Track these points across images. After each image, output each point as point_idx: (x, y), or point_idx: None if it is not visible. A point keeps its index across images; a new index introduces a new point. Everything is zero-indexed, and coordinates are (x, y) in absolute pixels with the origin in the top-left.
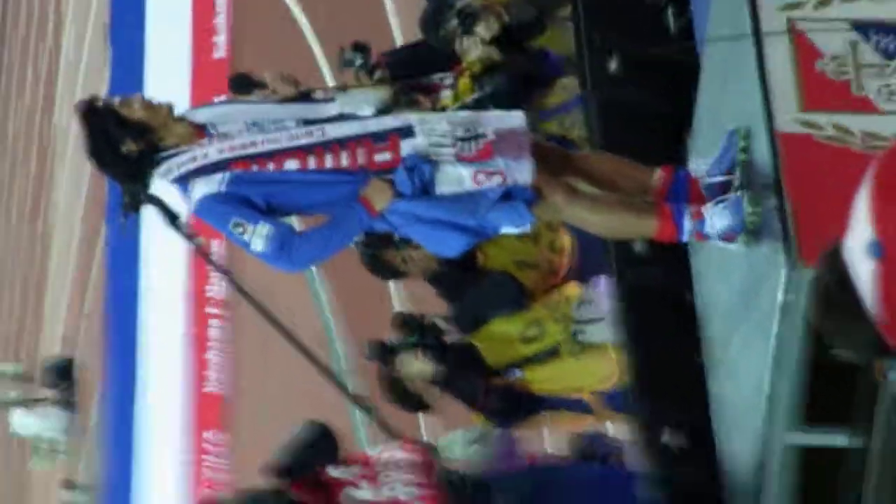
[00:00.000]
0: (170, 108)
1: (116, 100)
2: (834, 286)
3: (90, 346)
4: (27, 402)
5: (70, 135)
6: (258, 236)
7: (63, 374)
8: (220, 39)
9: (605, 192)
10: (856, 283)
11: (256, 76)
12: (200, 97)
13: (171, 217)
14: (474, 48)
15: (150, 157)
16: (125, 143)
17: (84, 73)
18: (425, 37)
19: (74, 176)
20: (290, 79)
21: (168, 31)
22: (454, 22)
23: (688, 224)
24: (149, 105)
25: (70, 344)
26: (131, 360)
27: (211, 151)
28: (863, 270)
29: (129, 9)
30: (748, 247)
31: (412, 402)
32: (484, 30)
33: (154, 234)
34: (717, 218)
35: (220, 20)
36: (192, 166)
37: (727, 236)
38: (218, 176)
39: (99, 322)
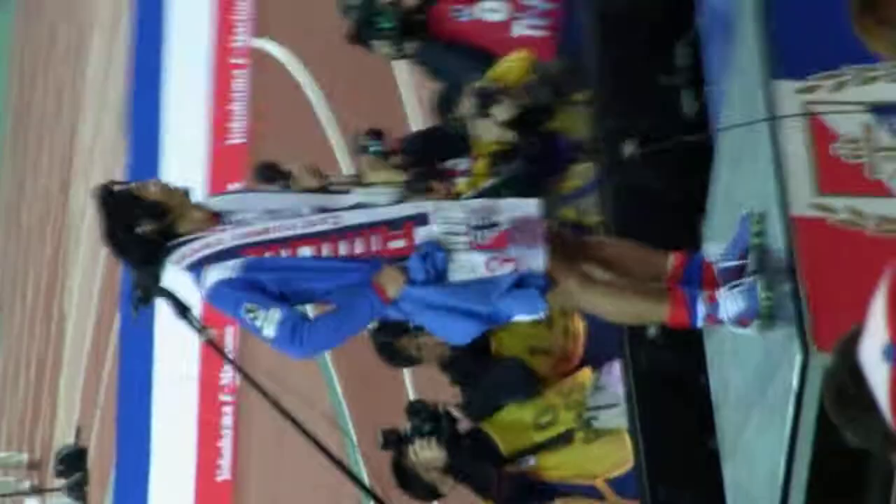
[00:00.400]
0: (186, 192)
1: (133, 184)
2: (848, 379)
3: (103, 433)
4: (40, 492)
5: (85, 220)
6: (270, 322)
7: (76, 463)
8: (238, 125)
9: (618, 278)
10: (870, 384)
11: (282, 166)
12: (217, 183)
13: (183, 309)
14: (488, 131)
15: (164, 241)
16: (141, 224)
17: (100, 157)
18: (439, 118)
19: (89, 262)
20: (316, 171)
21: (185, 116)
22: (469, 103)
23: (701, 309)
24: (165, 188)
25: (84, 432)
26: (143, 448)
27: (225, 238)
28: (878, 374)
29: (146, 93)
30: (762, 332)
31: (425, 490)
32: (500, 112)
33: (167, 322)
34: (731, 303)
35: (238, 106)
36: (205, 253)
37: (741, 321)
38: (231, 262)
39: (112, 410)
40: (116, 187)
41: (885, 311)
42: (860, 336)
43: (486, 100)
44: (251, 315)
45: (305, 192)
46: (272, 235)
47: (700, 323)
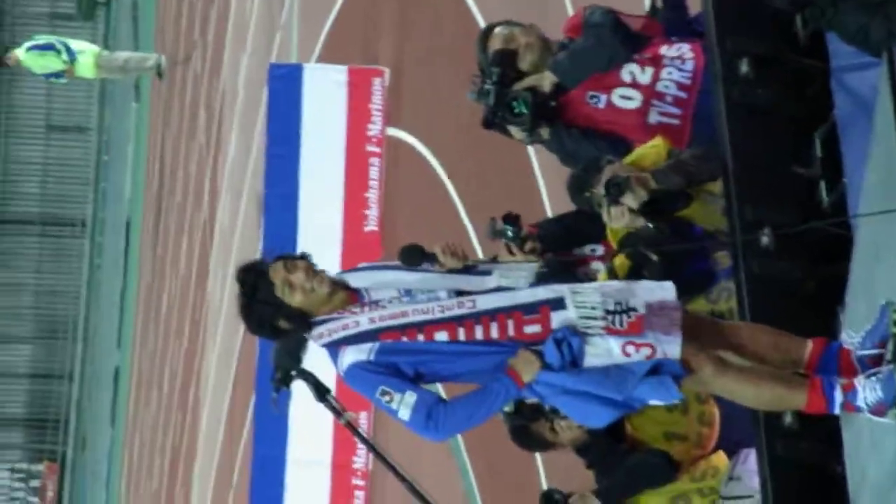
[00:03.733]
0: (330, 282)
1: (279, 276)
2: None
3: None
4: None
5: (223, 308)
6: (405, 405)
7: None
8: (373, 213)
9: (754, 364)
10: None
11: (428, 249)
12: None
13: (323, 392)
14: (621, 217)
15: (305, 325)
16: (279, 321)
17: (238, 244)
18: (571, 199)
19: (225, 348)
20: (459, 252)
21: (321, 202)
22: (601, 191)
23: (839, 396)
24: (308, 288)
25: None
26: None
27: (363, 320)
28: None
29: (283, 180)
30: None
31: None
32: (631, 200)
33: (301, 405)
34: (868, 391)
35: (373, 194)
36: (342, 334)
37: (878, 409)
38: (368, 345)
39: (245, 494)
40: (260, 268)
41: None
42: None
43: (618, 188)
44: (387, 398)
45: (449, 273)
46: (409, 319)
47: (837, 410)
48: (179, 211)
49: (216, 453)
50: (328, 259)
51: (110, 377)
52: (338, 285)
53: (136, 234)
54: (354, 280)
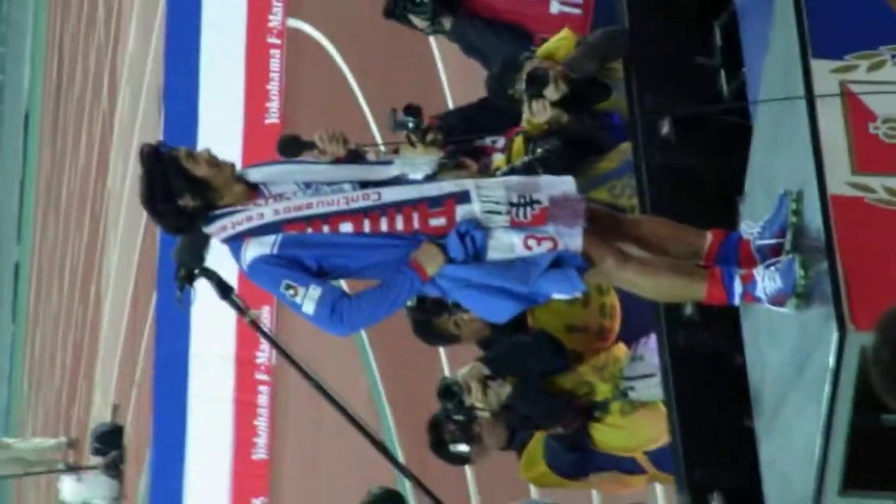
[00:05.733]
0: (233, 167)
1: (182, 150)
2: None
3: (140, 412)
4: (77, 470)
5: (123, 199)
6: (309, 299)
7: (112, 441)
8: (273, 105)
9: (655, 256)
10: None
11: (305, 138)
12: (251, 161)
13: (226, 290)
14: (543, 111)
15: (204, 212)
16: (184, 198)
17: (137, 136)
18: (493, 99)
19: (127, 242)
20: (340, 137)
21: (221, 96)
22: (522, 85)
23: (738, 287)
24: (214, 162)
25: (121, 411)
26: (180, 427)
27: (267, 212)
28: None
29: (183, 72)
30: (799, 310)
31: (458, 458)
32: (552, 92)
33: (203, 301)
34: (767, 281)
35: (273, 86)
36: (246, 226)
37: (777, 299)
38: (271, 237)
39: (148, 388)
40: (164, 150)
41: None
42: None
43: (539, 80)
44: (291, 292)
45: (338, 161)
46: (313, 211)
47: (737, 301)
48: (79, 104)
49: (119, 348)
50: (230, 152)
51: (10, 272)
52: (239, 178)
53: (34, 127)
54: (253, 175)
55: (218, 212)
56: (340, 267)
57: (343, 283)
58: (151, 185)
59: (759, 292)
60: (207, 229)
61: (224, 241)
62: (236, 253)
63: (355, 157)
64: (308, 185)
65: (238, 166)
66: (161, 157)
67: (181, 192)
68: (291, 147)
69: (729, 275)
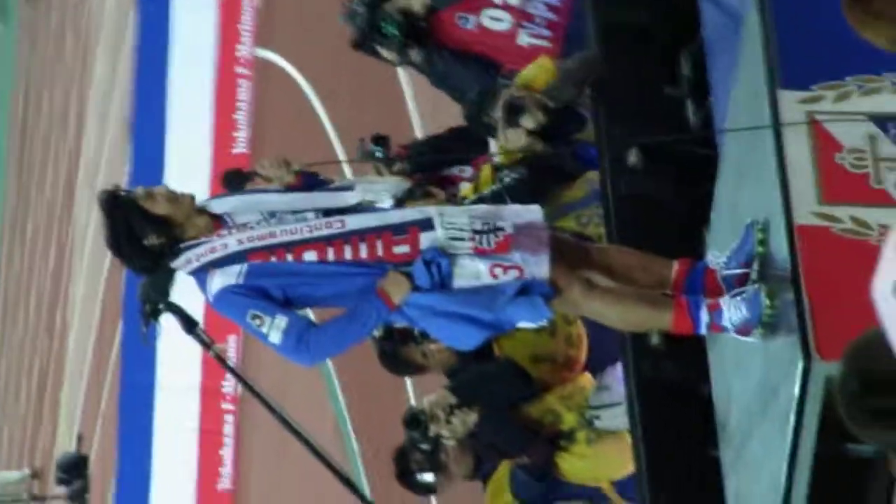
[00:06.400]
0: (192, 199)
1: (140, 191)
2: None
3: (105, 442)
4: (41, 501)
5: (89, 231)
6: (276, 329)
7: (77, 471)
8: (241, 135)
9: (621, 286)
10: (884, 323)
11: (246, 169)
12: (219, 192)
13: (191, 324)
14: (518, 140)
15: (170, 249)
16: (147, 237)
17: (105, 169)
18: (470, 127)
19: (92, 272)
20: (283, 162)
21: (189, 126)
22: (499, 114)
23: (704, 317)
24: (172, 198)
25: (85, 440)
26: (145, 457)
27: (230, 242)
28: (889, 309)
29: (150, 104)
30: (765, 340)
31: (423, 487)
32: (529, 121)
33: (169, 332)
34: (734, 311)
35: (242, 116)
36: (211, 257)
37: (743, 329)
38: (236, 268)
39: (113, 418)
40: (122, 193)
41: None
42: (869, 336)
43: (516, 109)
44: (257, 322)
45: (294, 188)
46: (277, 240)
47: (703, 330)
48: (45, 134)
49: (84, 378)
50: (197, 182)
51: None
52: (202, 210)
53: (0, 158)
54: (216, 206)
55: (182, 245)
56: (305, 296)
57: (310, 313)
58: (115, 230)
59: (726, 322)
60: (174, 264)
61: (190, 273)
62: (202, 284)
63: (311, 180)
64: (273, 214)
65: (206, 196)
66: (120, 202)
67: (145, 233)
68: (234, 181)
69: (695, 304)
